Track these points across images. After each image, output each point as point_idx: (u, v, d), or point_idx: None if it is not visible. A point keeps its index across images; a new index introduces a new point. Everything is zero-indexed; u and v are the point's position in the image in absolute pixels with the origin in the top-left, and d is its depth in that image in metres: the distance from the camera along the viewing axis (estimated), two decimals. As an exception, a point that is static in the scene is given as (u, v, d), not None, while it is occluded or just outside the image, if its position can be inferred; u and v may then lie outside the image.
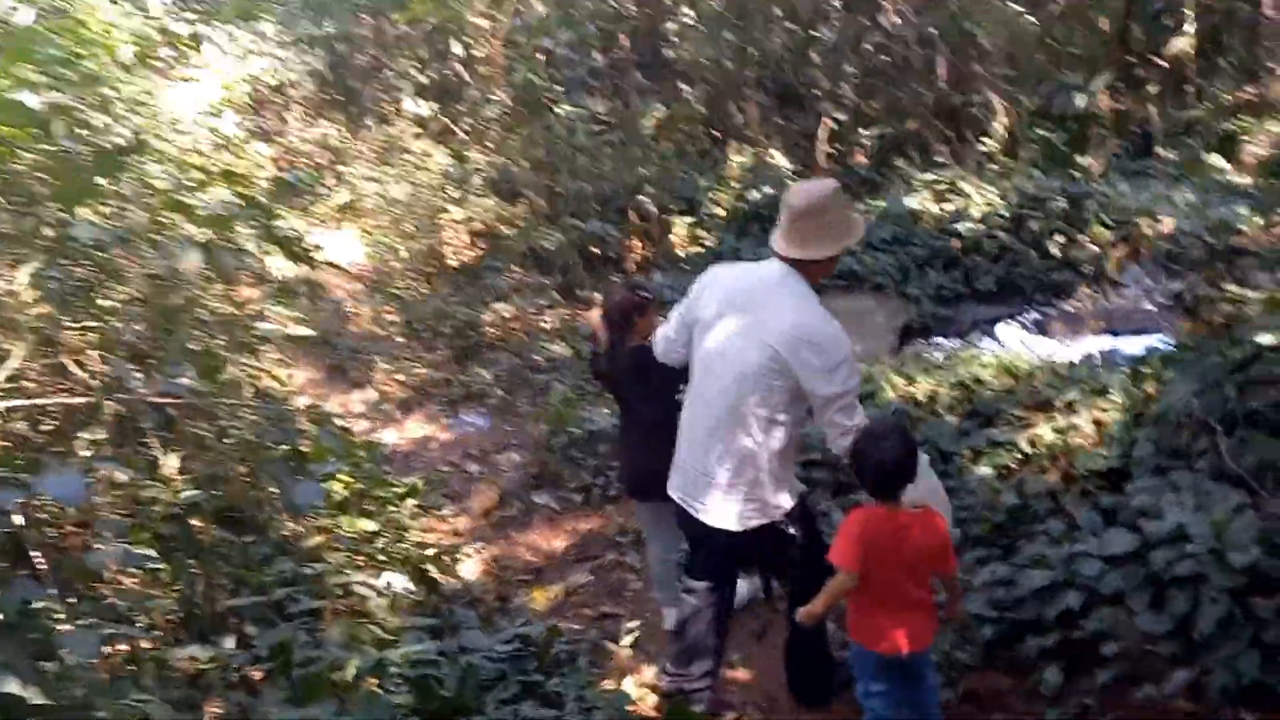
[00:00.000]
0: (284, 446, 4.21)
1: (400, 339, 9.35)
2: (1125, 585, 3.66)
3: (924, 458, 3.42)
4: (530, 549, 5.84)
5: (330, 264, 10.32)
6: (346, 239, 11.64)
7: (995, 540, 4.41)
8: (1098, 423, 5.00)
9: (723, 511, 3.53)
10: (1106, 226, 8.84)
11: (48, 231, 3.55)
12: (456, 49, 12.59)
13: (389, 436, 7.59)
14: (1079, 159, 9.95)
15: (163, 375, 3.53)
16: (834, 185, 3.58)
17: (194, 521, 3.77)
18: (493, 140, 11.78)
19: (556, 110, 11.10)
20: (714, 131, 12.27)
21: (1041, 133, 10.65)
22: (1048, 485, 4.68)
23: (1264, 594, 3.38)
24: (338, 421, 6.79)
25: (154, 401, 3.45)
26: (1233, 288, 6.91)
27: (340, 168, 12.70)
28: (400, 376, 8.52)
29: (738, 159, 10.56)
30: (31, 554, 2.96)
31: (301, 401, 7.04)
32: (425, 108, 12.57)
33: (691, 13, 12.12)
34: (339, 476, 5.18)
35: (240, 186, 4.52)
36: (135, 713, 2.68)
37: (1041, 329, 8.19)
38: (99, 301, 3.87)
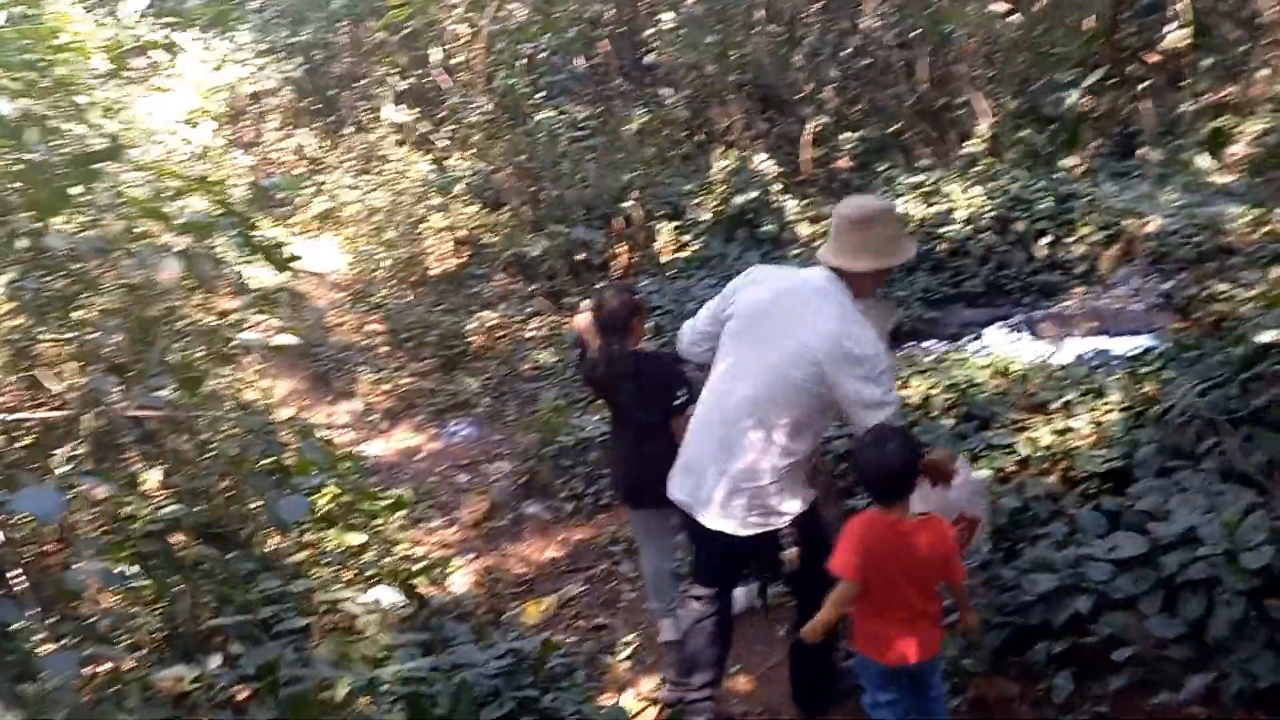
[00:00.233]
0: (268, 459, 4.10)
1: (385, 348, 9.25)
2: (1136, 589, 3.59)
3: (962, 458, 3.42)
4: (522, 560, 5.75)
5: (311, 272, 10.23)
6: (327, 248, 11.54)
7: (996, 544, 4.34)
8: (1096, 424, 4.95)
9: (726, 514, 3.44)
10: (1093, 227, 8.80)
11: (22, 242, 3.45)
12: (436, 55, 12.50)
13: (376, 447, 7.50)
14: (1064, 159, 9.91)
15: (142, 387, 3.43)
16: (889, 204, 3.68)
17: (176, 537, 3.68)
18: (475, 146, 11.68)
19: (539, 116, 11.01)
20: (697, 136, 12.21)
21: (1026, 133, 10.62)
22: (1047, 488, 4.60)
23: (1279, 596, 3.31)
24: (322, 433, 6.70)
25: (133, 415, 3.34)
26: (1223, 286, 6.88)
27: (319, 176, 12.61)
28: (386, 386, 8.42)
29: (721, 163, 10.49)
30: (9, 573, 2.86)
31: (285, 413, 6.94)
32: (405, 115, 12.48)
33: (671, 15, 12.05)
34: (325, 489, 5.09)
35: (217, 194, 4.42)
36: (118, 736, 2.58)
37: (1031, 330, 8.11)
38: (76, 313, 3.77)
